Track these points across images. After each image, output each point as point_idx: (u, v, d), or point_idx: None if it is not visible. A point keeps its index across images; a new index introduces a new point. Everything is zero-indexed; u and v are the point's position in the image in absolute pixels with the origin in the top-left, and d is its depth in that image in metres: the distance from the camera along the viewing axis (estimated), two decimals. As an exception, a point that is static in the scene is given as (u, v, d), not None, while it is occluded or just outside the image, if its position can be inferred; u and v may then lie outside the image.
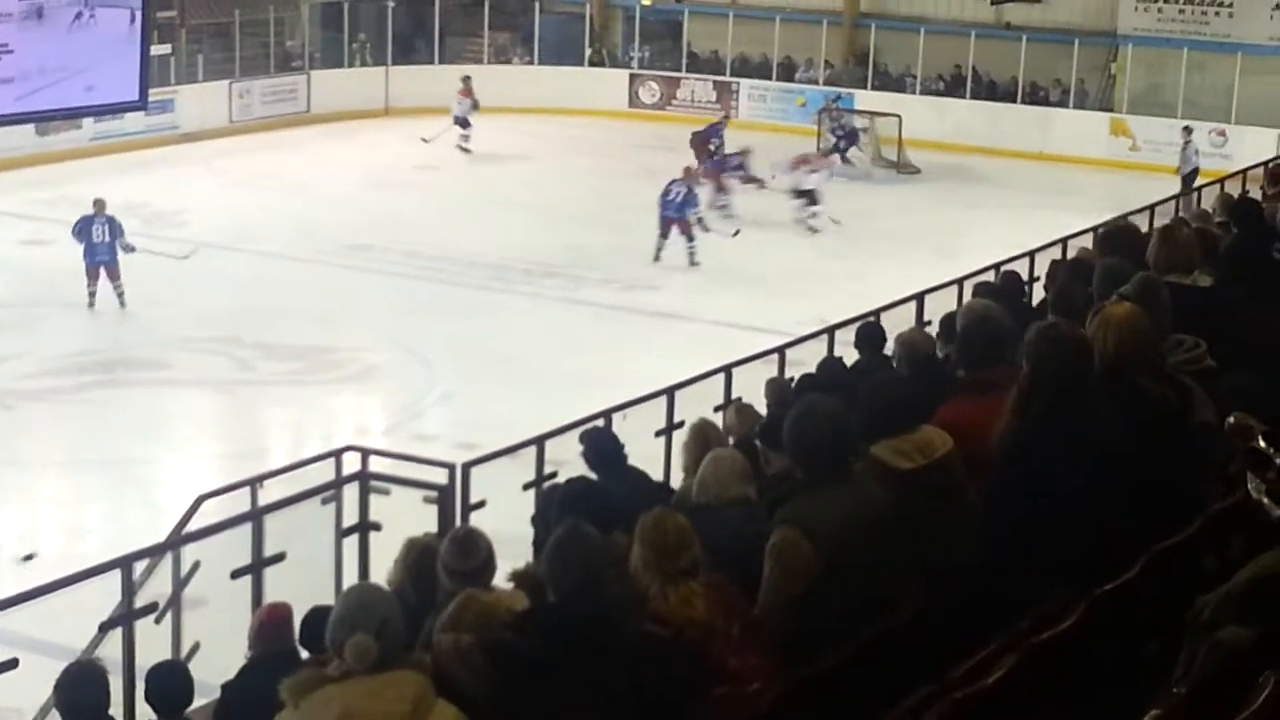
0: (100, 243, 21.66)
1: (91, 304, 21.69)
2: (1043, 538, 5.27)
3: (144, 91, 10.05)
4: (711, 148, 30.41)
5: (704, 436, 8.05)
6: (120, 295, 21.76)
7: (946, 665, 4.90)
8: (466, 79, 34.57)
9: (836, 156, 31.65)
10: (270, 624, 7.42)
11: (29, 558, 16.15)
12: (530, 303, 23.23)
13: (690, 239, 25.21)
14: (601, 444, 8.49)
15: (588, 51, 39.76)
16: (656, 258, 25.34)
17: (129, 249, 21.61)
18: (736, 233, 25.48)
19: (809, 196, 27.06)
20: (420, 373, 20.09)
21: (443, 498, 8.41)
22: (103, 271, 21.75)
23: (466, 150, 33.27)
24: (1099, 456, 5.40)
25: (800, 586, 5.22)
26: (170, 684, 7.24)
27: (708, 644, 5.11)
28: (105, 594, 7.76)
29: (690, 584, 5.24)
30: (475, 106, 34.07)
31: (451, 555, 5.84)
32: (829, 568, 5.21)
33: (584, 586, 4.94)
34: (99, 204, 22.02)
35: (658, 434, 10.41)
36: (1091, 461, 5.38)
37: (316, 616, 6.80)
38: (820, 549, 5.22)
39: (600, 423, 9.53)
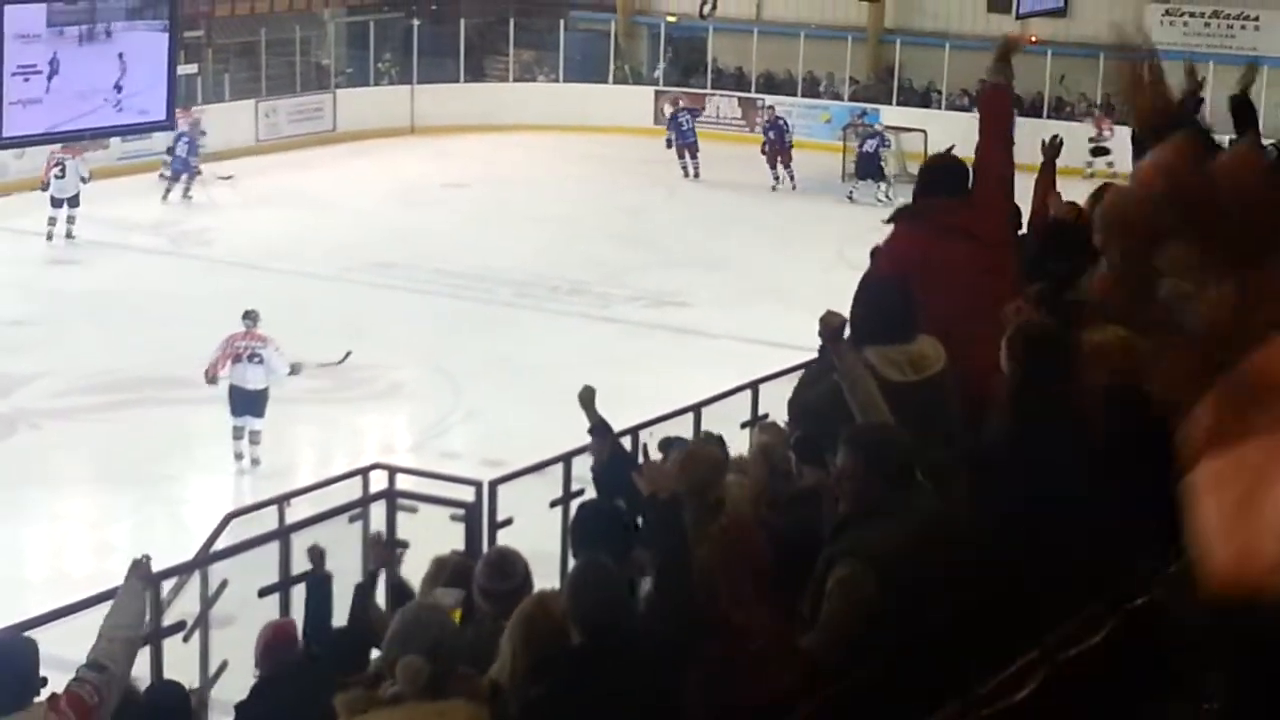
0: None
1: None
2: (1045, 535, 5.16)
3: (171, 111, 10.09)
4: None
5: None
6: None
7: (974, 680, 4.84)
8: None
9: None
10: (276, 643, 7.39)
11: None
12: (557, 319, 23.22)
13: (695, 157, 33.16)
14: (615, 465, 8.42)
15: (612, 68, 39.78)
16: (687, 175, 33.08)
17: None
18: None
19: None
20: (447, 390, 20.11)
21: (470, 515, 8.40)
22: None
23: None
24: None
25: (862, 623, 5.14)
26: (167, 704, 7.20)
27: (712, 592, 5.04)
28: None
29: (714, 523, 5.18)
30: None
31: (487, 577, 5.83)
32: (889, 598, 5.13)
33: (605, 620, 4.89)
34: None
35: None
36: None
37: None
38: (883, 582, 5.12)
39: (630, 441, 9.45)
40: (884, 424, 5.53)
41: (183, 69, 26.33)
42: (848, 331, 5.92)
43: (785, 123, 33.45)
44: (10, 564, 15.24)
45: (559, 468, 9.56)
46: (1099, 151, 31.68)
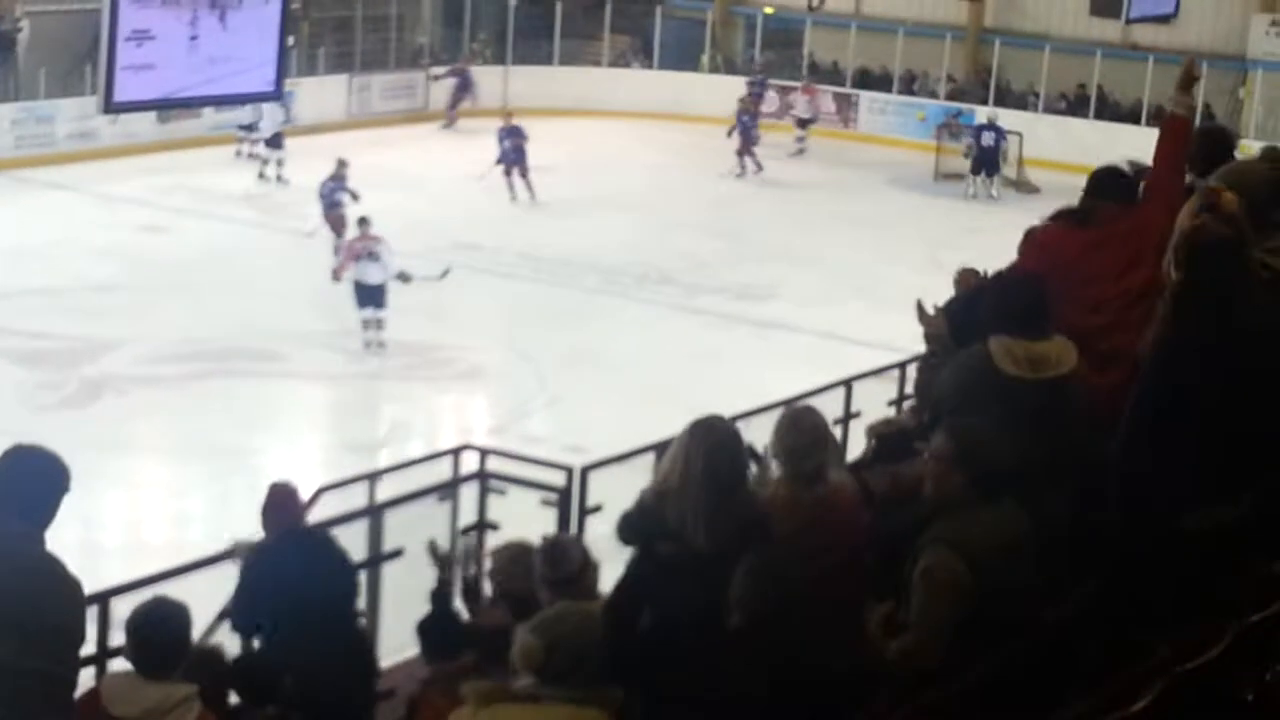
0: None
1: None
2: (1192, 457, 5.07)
3: (280, 83, 10.05)
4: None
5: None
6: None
7: (1082, 690, 4.73)
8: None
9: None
10: (274, 507, 7.58)
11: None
12: (642, 309, 23.13)
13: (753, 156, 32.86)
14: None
15: (705, 57, 39.62)
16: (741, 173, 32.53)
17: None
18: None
19: None
20: (529, 374, 19.99)
21: (561, 501, 8.30)
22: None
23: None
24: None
25: (955, 612, 5.02)
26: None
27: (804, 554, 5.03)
28: (217, 581, 7.68)
29: (814, 489, 5.17)
30: None
31: (544, 564, 5.74)
32: (982, 590, 5.02)
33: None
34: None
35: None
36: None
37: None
38: (975, 571, 5.02)
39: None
40: (983, 418, 5.43)
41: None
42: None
43: (751, 117, 33.24)
44: (89, 529, 15.18)
45: (649, 457, 9.43)
46: None
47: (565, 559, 5.72)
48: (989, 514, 5.11)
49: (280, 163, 29.61)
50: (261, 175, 29.58)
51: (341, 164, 23.98)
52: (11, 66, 30.58)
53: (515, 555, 6.13)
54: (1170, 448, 5.26)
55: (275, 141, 29.84)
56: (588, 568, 5.73)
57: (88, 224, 25.55)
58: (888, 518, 5.68)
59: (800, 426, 5.31)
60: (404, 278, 20.17)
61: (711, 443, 5.06)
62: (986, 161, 32.37)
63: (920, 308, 7.27)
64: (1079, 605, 5.25)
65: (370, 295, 20.13)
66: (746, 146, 32.83)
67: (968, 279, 8.05)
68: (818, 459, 5.24)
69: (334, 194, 23.64)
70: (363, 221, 20.57)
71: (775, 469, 5.30)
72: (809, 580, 5.12)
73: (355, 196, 23.17)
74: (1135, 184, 6.60)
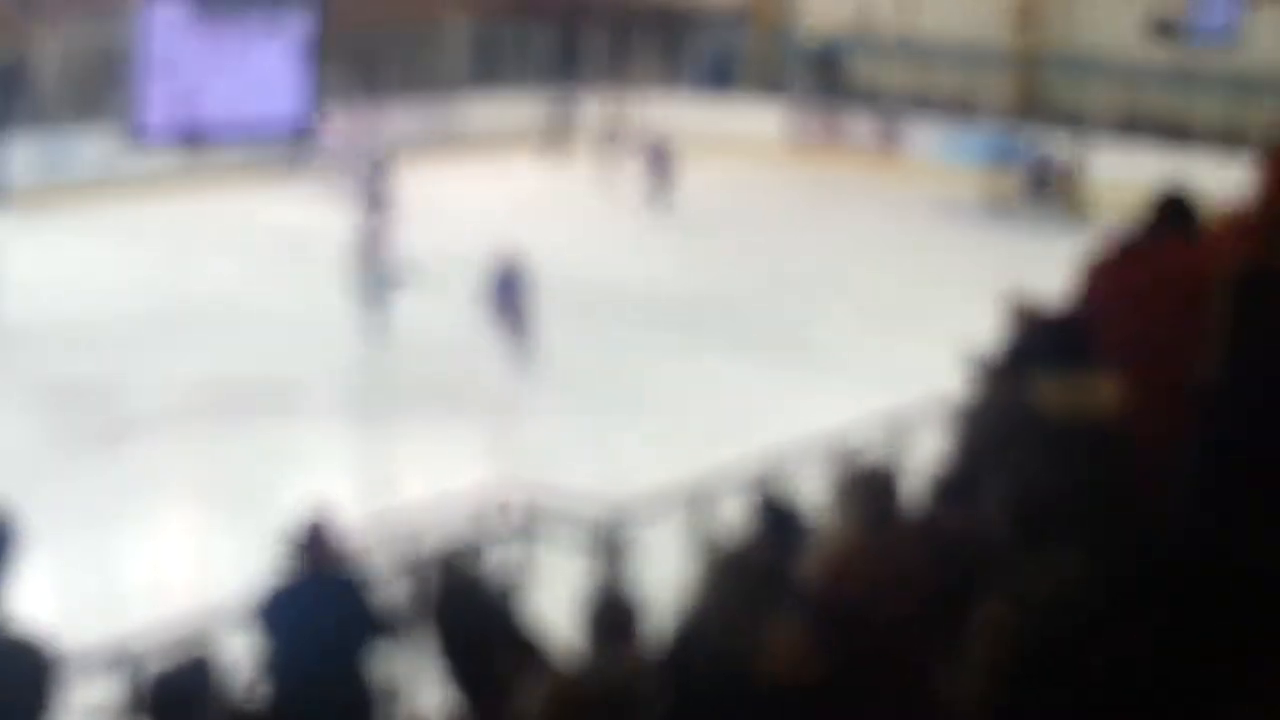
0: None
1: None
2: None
3: (309, 114, 9.75)
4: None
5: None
6: None
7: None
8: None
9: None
10: (307, 540, 7.69)
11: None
12: (685, 344, 22.77)
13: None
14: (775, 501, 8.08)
15: (745, 83, 39.32)
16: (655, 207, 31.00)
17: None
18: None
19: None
20: (571, 410, 19.74)
21: (601, 540, 8.42)
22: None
23: None
24: None
25: (1012, 663, 4.74)
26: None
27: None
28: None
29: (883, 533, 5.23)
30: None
31: (596, 609, 5.83)
32: (1037, 642, 4.75)
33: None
34: None
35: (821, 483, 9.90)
36: None
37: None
38: (1033, 619, 4.75)
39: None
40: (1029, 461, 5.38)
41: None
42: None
43: (665, 148, 31.55)
44: (111, 571, 15.24)
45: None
46: None
47: (619, 607, 5.87)
48: (1045, 560, 4.94)
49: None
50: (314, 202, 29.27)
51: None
52: (35, 98, 30.51)
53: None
54: (1236, 487, 5.07)
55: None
56: (636, 618, 5.84)
57: (111, 260, 25.60)
58: (944, 565, 5.55)
59: (863, 471, 5.43)
60: (411, 275, 22.22)
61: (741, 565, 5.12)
62: (1036, 184, 32.02)
63: (975, 359, 6.89)
64: (1145, 653, 4.86)
65: (383, 283, 22.19)
66: (660, 178, 31.51)
67: (1023, 312, 7.66)
68: (885, 503, 5.33)
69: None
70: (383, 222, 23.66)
71: (832, 518, 5.41)
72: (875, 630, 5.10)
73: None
74: (1193, 211, 6.39)
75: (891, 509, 5.30)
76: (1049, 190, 32.23)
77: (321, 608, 7.37)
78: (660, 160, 31.10)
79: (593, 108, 36.67)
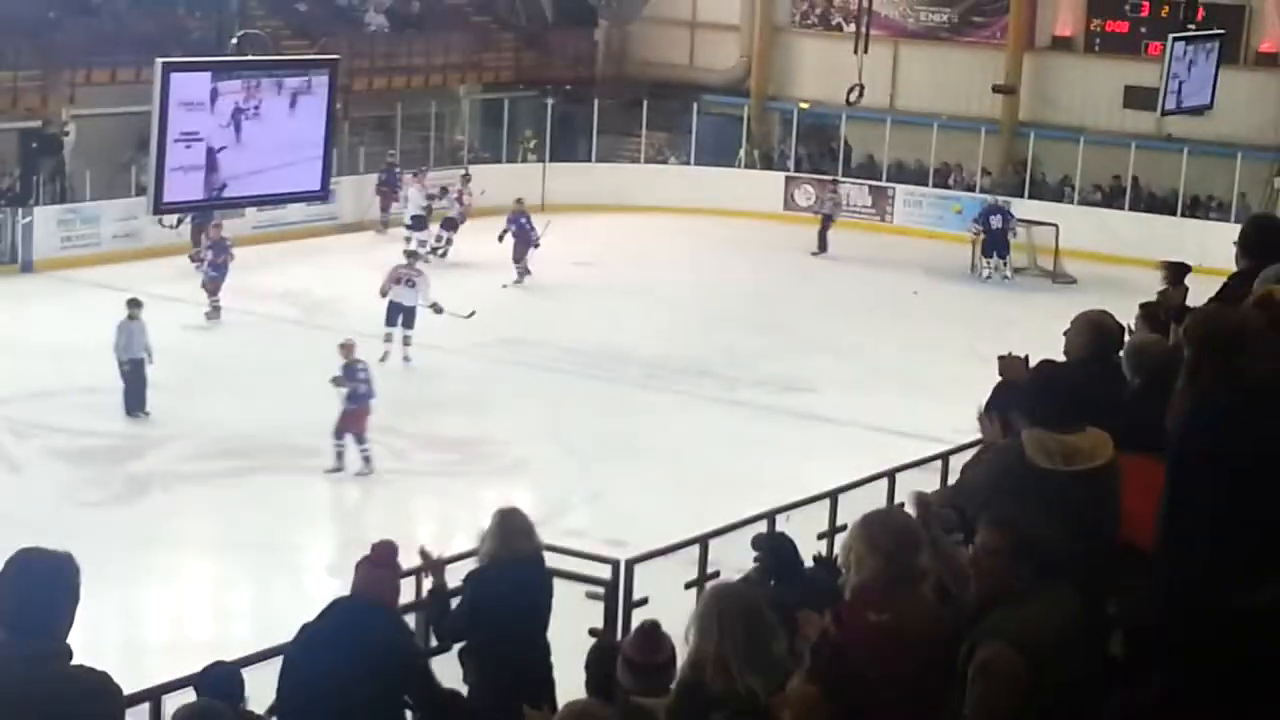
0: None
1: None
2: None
3: (326, 182, 10.20)
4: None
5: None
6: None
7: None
8: (464, 177, 34.18)
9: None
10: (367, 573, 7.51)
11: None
12: (684, 402, 23.14)
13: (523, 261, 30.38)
14: (779, 548, 8.35)
15: (742, 153, 39.76)
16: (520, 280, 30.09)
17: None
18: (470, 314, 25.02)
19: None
20: (572, 468, 20.11)
21: (607, 593, 8.34)
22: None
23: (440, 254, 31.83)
24: None
25: (1014, 705, 4.90)
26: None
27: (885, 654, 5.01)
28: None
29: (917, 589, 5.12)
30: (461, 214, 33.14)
31: (636, 648, 5.79)
32: (1041, 682, 4.90)
33: None
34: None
35: (819, 536, 10.30)
36: None
37: None
38: (1033, 663, 4.89)
39: (766, 526, 9.46)
40: (1025, 510, 5.38)
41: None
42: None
43: (528, 220, 30.61)
44: (132, 626, 15.39)
45: (692, 550, 9.53)
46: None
47: (659, 647, 5.80)
48: (1043, 605, 5.02)
49: (423, 243, 30.54)
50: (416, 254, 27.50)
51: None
52: (59, 168, 30.94)
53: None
54: (1206, 523, 5.02)
55: (417, 224, 31.85)
56: (673, 661, 5.75)
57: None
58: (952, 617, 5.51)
59: (893, 527, 5.28)
60: (436, 308, 23.96)
61: (741, 607, 5.17)
62: (996, 244, 32.58)
63: (981, 419, 7.12)
64: (1142, 695, 5.08)
65: (400, 314, 24.03)
66: (522, 250, 30.60)
67: (1013, 367, 7.99)
68: (915, 558, 5.20)
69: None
70: (410, 255, 25.72)
71: (856, 574, 5.22)
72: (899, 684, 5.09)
73: (438, 309, 24.22)
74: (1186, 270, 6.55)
75: (916, 564, 5.19)
76: (1001, 245, 32.76)
77: (331, 642, 7.35)
78: (521, 230, 30.43)
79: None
